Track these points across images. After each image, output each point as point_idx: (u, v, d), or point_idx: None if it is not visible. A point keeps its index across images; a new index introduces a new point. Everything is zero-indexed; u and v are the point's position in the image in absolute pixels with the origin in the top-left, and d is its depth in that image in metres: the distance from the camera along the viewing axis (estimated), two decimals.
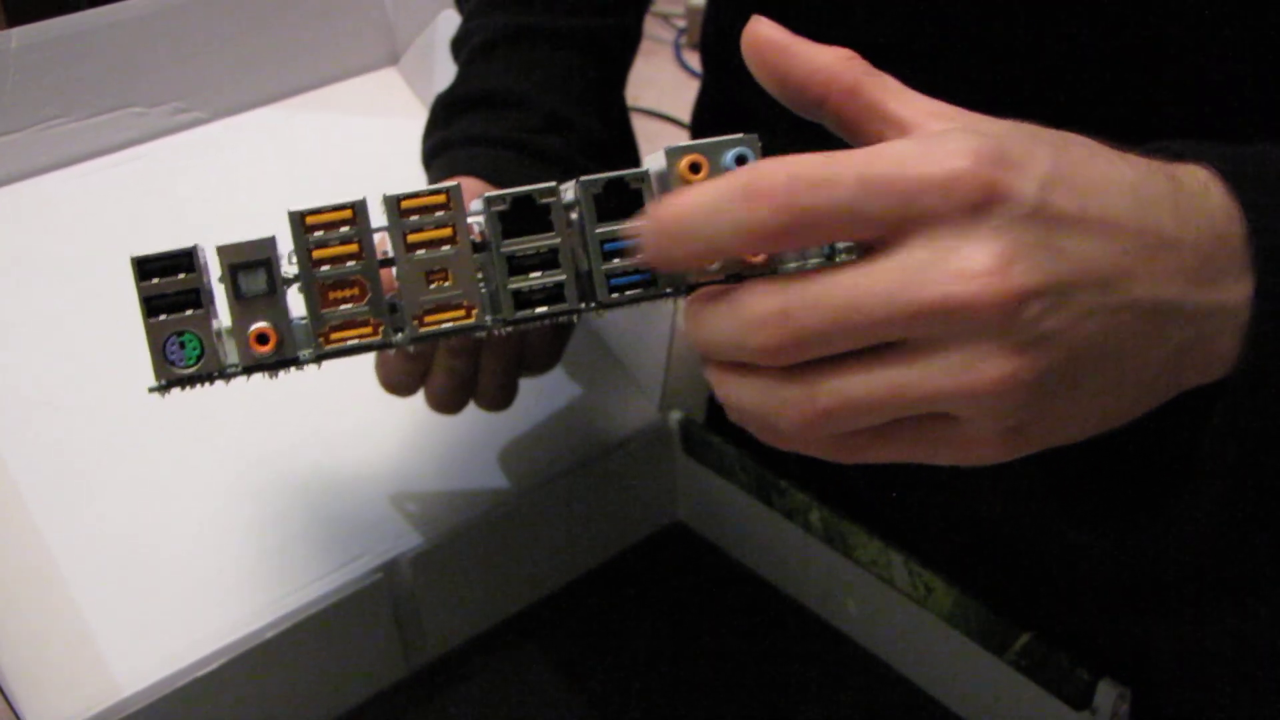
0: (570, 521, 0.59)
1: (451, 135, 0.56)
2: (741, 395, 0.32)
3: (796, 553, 0.57)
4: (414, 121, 0.68)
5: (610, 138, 0.58)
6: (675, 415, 0.61)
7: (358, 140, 0.72)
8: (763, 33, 0.32)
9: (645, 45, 0.65)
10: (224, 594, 0.51)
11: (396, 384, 0.50)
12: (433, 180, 0.55)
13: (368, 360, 0.50)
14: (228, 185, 0.67)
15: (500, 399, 0.52)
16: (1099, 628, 0.50)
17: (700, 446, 0.60)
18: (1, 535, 0.51)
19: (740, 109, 0.59)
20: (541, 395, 0.60)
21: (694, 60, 1.26)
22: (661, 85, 1.17)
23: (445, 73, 0.69)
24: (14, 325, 0.58)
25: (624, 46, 0.62)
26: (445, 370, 0.49)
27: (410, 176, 0.59)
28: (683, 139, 0.71)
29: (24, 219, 0.63)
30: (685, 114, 0.67)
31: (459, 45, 0.60)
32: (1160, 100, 0.42)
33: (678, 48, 1.33)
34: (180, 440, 0.55)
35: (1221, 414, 0.33)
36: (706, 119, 0.67)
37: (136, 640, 0.49)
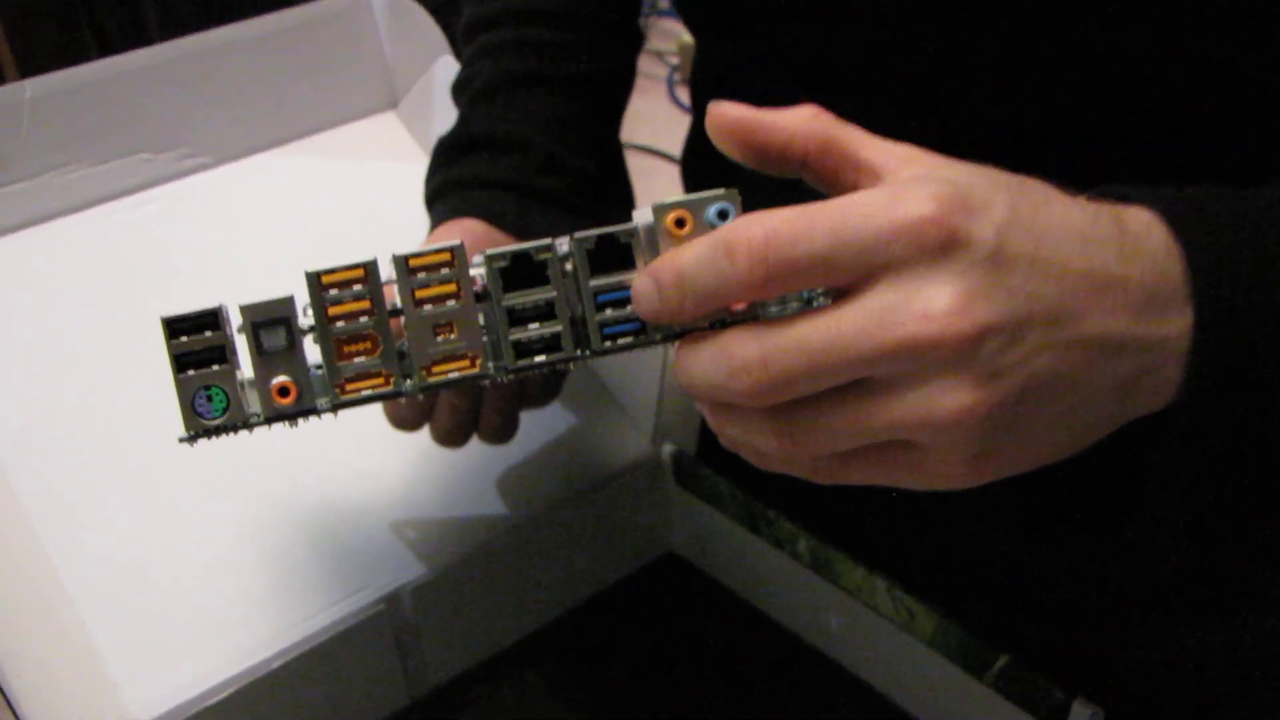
0: (567, 551, 0.61)
1: (453, 177, 0.58)
2: (730, 429, 0.34)
3: (785, 580, 0.59)
4: (413, 165, 0.71)
5: (605, 177, 0.61)
6: (668, 448, 0.63)
7: (359, 184, 0.74)
8: (727, 114, 0.35)
9: (639, 82, 0.67)
10: (232, 624, 0.52)
11: (403, 421, 0.52)
12: (435, 219, 0.57)
13: None
14: (234, 228, 0.69)
15: (502, 433, 0.54)
16: (1075, 648, 0.52)
17: (692, 478, 0.62)
18: (15, 565, 0.53)
19: None
20: (540, 428, 0.62)
21: (687, 96, 1.29)
22: (655, 121, 1.20)
23: (444, 117, 0.71)
24: (30, 363, 0.60)
25: (618, 90, 0.64)
26: (449, 407, 0.51)
27: (411, 220, 0.61)
28: (675, 174, 0.74)
29: (39, 261, 0.66)
30: (678, 149, 0.70)
31: (459, 90, 0.62)
32: (1112, 142, 0.44)
33: (671, 84, 1.36)
34: (188, 474, 0.57)
35: (1170, 437, 0.35)
36: (695, 158, 0.70)
37: (147, 670, 0.51)
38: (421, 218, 0.60)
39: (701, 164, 0.67)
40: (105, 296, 0.64)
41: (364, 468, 0.59)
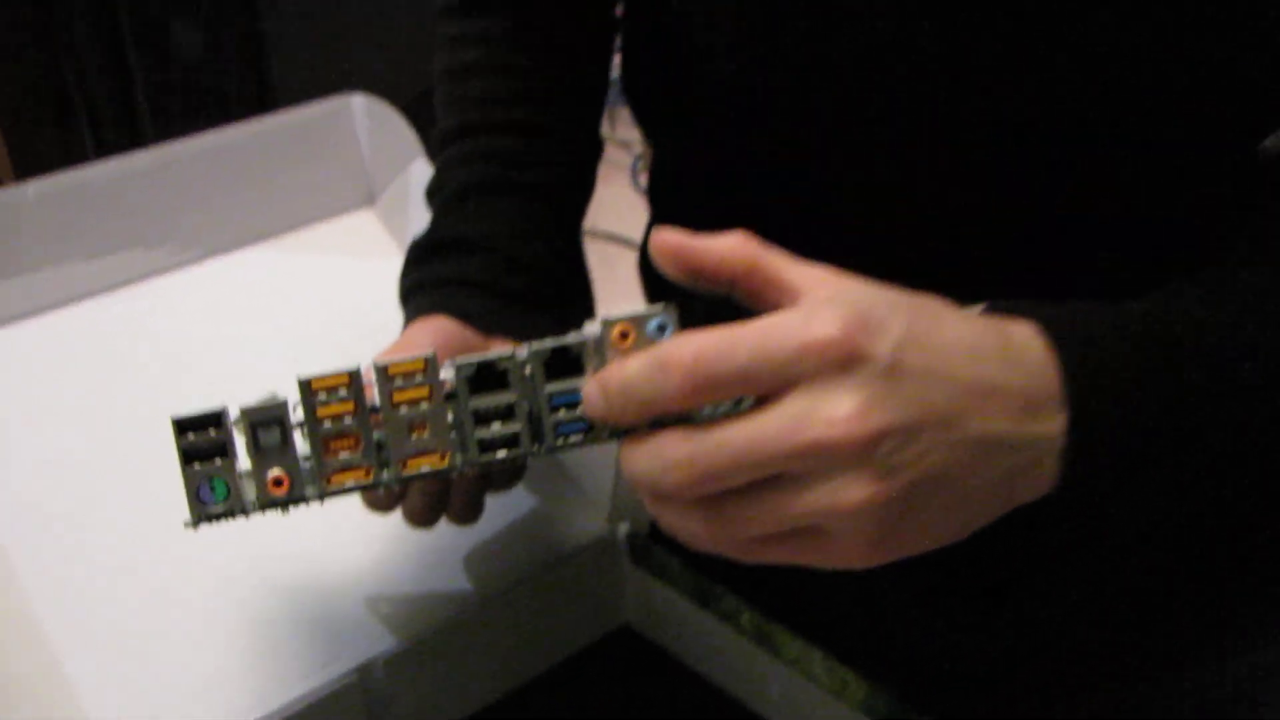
0: (530, 624, 0.65)
1: (426, 276, 0.62)
2: (666, 516, 0.39)
3: (730, 651, 0.63)
4: (389, 261, 0.76)
5: (567, 275, 0.66)
6: (623, 528, 0.67)
7: (339, 277, 0.79)
8: (667, 240, 0.40)
9: (603, 170, 0.71)
10: (210, 694, 0.56)
11: (377, 504, 0.56)
12: (409, 316, 0.62)
13: None
14: (222, 319, 0.74)
15: (469, 515, 0.58)
16: (996, 712, 0.56)
17: (645, 556, 0.66)
18: (16, 641, 0.57)
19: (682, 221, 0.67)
20: (504, 509, 0.66)
21: None
22: (619, 208, 1.26)
23: (418, 215, 0.76)
24: (28, 449, 0.64)
25: (578, 195, 0.69)
26: (420, 492, 0.56)
27: (386, 313, 0.66)
28: (635, 259, 0.78)
29: (38, 351, 0.70)
30: (639, 233, 0.75)
31: (432, 195, 0.67)
32: (1108, 143, 0.49)
33: (634, 171, 1.42)
34: (166, 549, 0.61)
35: (1049, 521, 0.40)
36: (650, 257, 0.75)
37: None
38: (396, 311, 0.65)
39: (657, 282, 0.72)
40: (101, 385, 0.68)
41: (340, 546, 0.63)
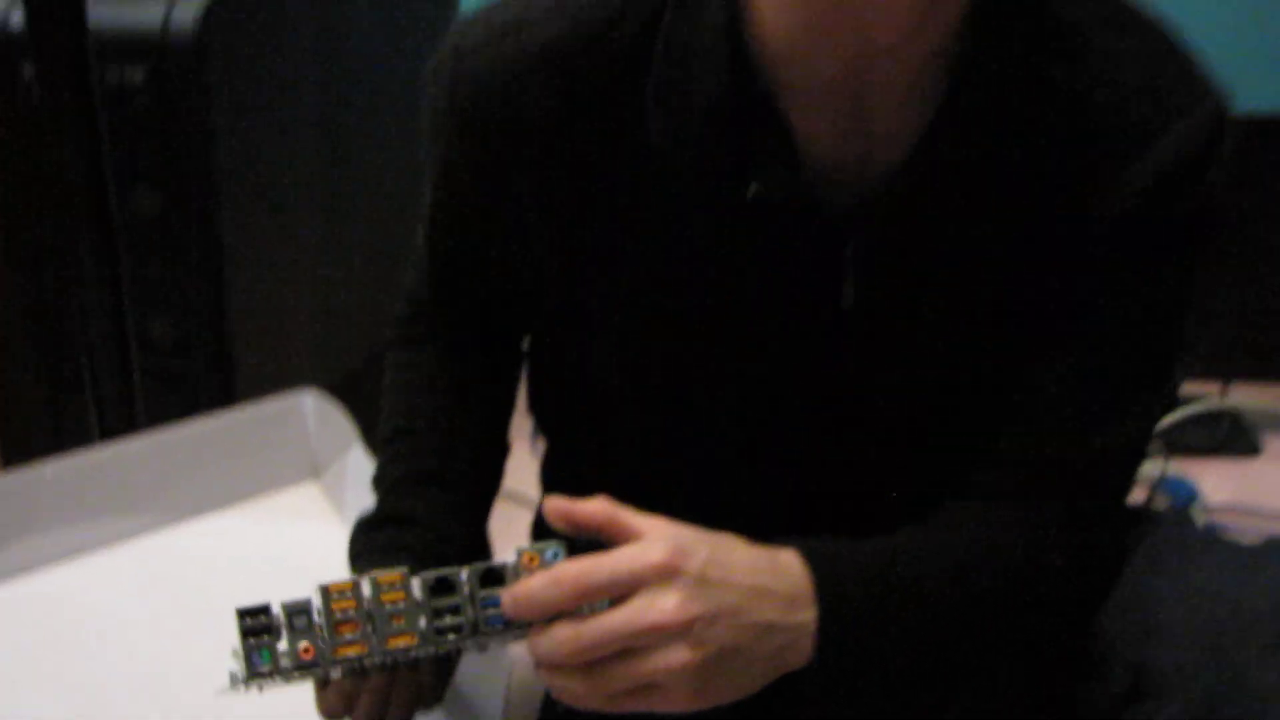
0: None
1: (371, 544, 0.80)
2: (557, 680, 0.60)
3: None
4: (329, 526, 0.95)
5: (476, 544, 0.85)
6: None
7: (286, 542, 0.98)
8: (555, 507, 0.62)
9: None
10: None
11: (332, 710, 0.71)
12: (359, 570, 0.81)
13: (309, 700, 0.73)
14: (189, 577, 0.92)
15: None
16: None
17: None
18: None
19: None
20: None
21: None
22: (519, 471, 1.42)
23: (355, 491, 0.96)
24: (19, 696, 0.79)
25: (488, 484, 0.89)
26: (369, 698, 0.72)
27: (330, 570, 0.83)
28: (528, 518, 0.98)
29: (27, 610, 0.86)
30: (534, 490, 0.93)
31: (378, 481, 0.85)
32: (820, 513, 0.72)
33: (533, 439, 1.62)
34: None
35: (809, 685, 0.62)
36: (541, 521, 0.96)
37: None
38: (339, 566, 0.81)
39: (543, 525, 0.93)
40: (87, 638, 0.84)
41: None
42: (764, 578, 0.61)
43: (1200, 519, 1.66)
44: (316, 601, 0.58)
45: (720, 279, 0.69)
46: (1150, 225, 0.66)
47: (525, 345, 0.87)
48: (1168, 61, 0.66)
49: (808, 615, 0.62)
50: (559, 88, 0.66)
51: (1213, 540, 0.75)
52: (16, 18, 1.08)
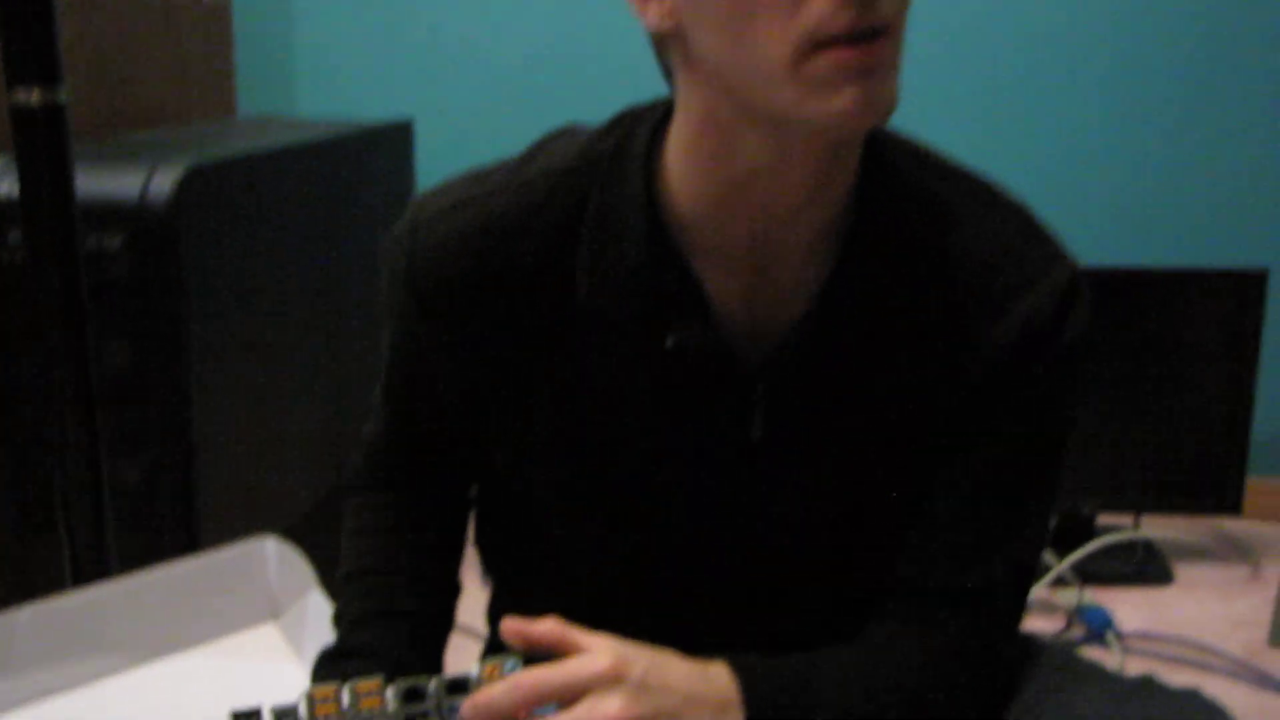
0: None
1: (333, 673, 0.85)
2: None
3: None
4: (289, 665, 1.00)
5: (437, 670, 0.91)
6: None
7: (246, 681, 1.02)
8: (511, 629, 0.69)
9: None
10: None
11: None
12: None
13: None
14: (161, 712, 0.96)
15: None
16: None
17: None
18: None
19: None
20: None
21: None
22: (468, 600, 1.47)
23: (313, 631, 1.00)
24: None
25: (441, 620, 0.94)
26: None
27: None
28: (477, 648, 1.03)
29: None
30: (481, 621, 0.98)
31: (339, 617, 0.91)
32: (743, 635, 0.79)
33: (484, 576, 1.67)
34: None
35: None
36: (495, 640, 1.02)
37: None
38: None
39: (497, 641, 0.99)
40: None
41: None
42: (697, 686, 0.68)
43: (1114, 646, 1.74)
44: (302, 708, 0.64)
45: (645, 419, 0.77)
46: (1019, 373, 0.75)
47: (473, 492, 0.94)
48: (1026, 232, 0.77)
49: (738, 717, 0.69)
50: (504, 255, 0.75)
51: (1095, 671, 0.83)
52: (3, 188, 1.17)
